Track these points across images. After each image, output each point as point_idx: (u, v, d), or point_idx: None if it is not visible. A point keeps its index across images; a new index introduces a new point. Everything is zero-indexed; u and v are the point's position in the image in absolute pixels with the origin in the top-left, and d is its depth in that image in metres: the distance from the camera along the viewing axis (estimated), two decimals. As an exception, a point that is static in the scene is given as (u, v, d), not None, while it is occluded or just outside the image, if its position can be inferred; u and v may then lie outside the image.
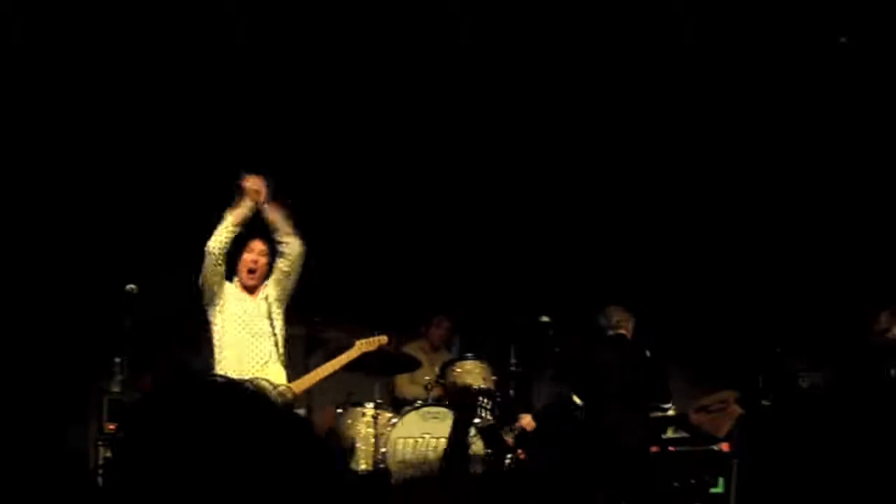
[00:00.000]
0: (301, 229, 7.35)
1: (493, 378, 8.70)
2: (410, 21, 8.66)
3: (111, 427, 7.49)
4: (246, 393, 1.97)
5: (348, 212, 7.41)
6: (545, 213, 10.34)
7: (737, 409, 8.90)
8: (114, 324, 7.70)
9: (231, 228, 7.14)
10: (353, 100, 9.31)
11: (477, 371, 8.66)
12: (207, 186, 8.79)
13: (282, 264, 7.27)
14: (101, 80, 8.79)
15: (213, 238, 7.11)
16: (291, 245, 7.24)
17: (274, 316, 7.24)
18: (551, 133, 9.91)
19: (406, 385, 9.03)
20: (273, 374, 7.10)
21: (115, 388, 7.63)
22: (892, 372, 8.49)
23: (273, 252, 7.30)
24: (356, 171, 9.54)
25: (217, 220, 7.31)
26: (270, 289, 7.31)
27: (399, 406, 8.41)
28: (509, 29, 8.76)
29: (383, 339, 7.89)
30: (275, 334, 7.22)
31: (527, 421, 8.52)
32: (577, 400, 8.28)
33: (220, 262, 7.16)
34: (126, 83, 8.87)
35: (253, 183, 7.17)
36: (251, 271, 7.28)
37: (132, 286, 7.68)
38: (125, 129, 9.09)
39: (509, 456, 8.32)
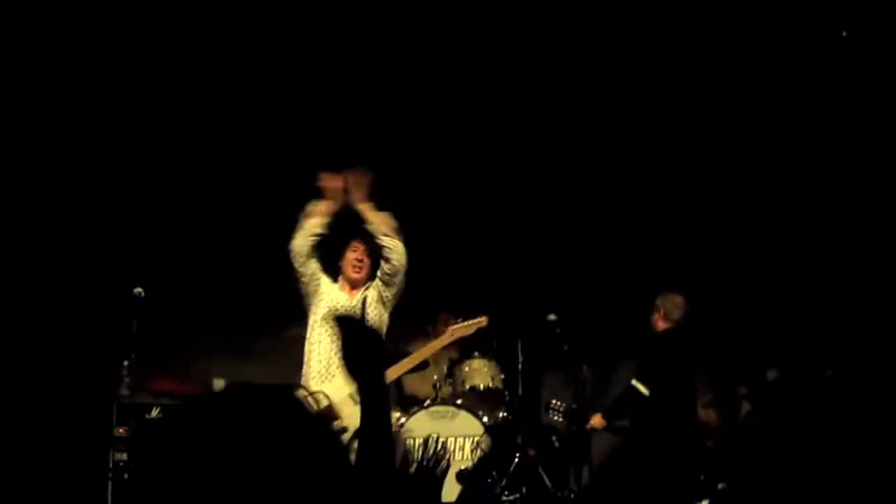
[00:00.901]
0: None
1: (501, 377, 8.71)
2: (411, 21, 8.65)
3: (121, 430, 7.47)
4: (275, 400, 1.98)
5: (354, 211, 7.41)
6: (551, 211, 10.33)
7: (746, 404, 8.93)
8: (121, 327, 7.69)
9: (308, 229, 7.17)
10: (350, 102, 9.34)
11: (485, 370, 8.66)
12: (213, 187, 8.76)
13: (386, 267, 7.21)
14: (103, 78, 8.79)
15: (293, 238, 7.18)
16: (393, 247, 7.20)
17: (370, 317, 7.22)
18: (554, 132, 9.90)
19: (415, 384, 9.01)
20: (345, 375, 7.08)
21: (124, 392, 7.61)
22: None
23: (377, 254, 7.29)
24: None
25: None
26: (372, 290, 7.29)
27: (407, 405, 8.39)
28: (509, 29, 8.75)
29: (482, 320, 7.74)
30: None
31: (597, 420, 8.56)
32: (642, 388, 8.30)
33: (303, 263, 7.20)
34: (128, 82, 8.88)
35: (329, 181, 7.17)
36: (356, 268, 7.31)
37: (139, 289, 7.68)
38: (131, 128, 9.10)
39: (518, 455, 8.32)
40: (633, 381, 8.37)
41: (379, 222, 7.15)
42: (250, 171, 9.59)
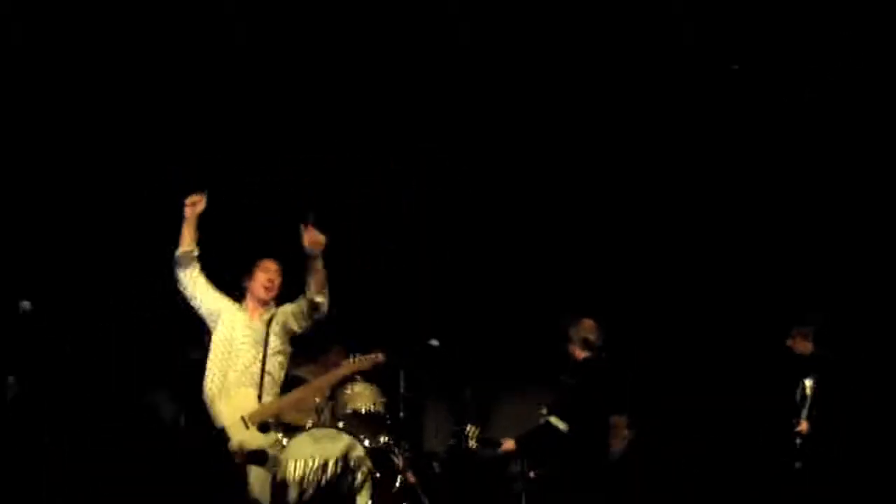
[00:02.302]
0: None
1: (383, 401, 8.83)
2: (411, 21, 8.72)
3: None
4: None
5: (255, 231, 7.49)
6: (436, 237, 10.47)
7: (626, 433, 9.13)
8: (7, 341, 7.67)
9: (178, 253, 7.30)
10: (348, 104, 9.48)
11: (367, 393, 8.74)
12: (213, 187, 8.72)
13: (306, 308, 7.26)
14: (102, 78, 8.83)
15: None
16: (322, 302, 7.22)
17: (272, 344, 7.25)
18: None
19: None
20: (242, 396, 7.15)
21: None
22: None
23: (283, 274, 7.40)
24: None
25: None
26: (279, 317, 7.34)
27: (290, 428, 8.45)
28: (509, 29, 8.82)
29: (379, 357, 7.94)
30: (263, 358, 7.23)
31: (510, 444, 8.58)
32: (560, 424, 8.29)
33: (185, 287, 7.36)
34: (128, 82, 8.95)
35: (191, 200, 7.29)
36: (268, 288, 7.41)
37: (26, 303, 7.66)
38: (130, 128, 9.23)
39: (399, 479, 8.44)
40: (551, 418, 8.33)
41: (321, 273, 7.18)
42: (250, 171, 9.61)
